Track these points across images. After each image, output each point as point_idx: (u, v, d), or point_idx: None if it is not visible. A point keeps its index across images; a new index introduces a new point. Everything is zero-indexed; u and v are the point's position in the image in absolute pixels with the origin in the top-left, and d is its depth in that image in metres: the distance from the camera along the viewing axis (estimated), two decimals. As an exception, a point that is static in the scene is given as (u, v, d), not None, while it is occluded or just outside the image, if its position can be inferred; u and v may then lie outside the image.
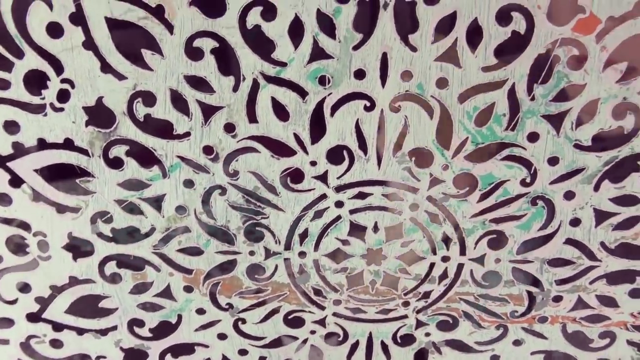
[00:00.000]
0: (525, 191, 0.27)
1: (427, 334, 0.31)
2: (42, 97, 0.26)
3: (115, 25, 0.25)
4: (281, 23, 0.24)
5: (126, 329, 0.31)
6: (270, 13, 0.24)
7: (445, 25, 0.24)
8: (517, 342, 0.31)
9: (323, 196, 0.27)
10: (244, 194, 0.27)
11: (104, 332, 0.31)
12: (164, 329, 0.31)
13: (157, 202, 0.28)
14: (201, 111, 0.26)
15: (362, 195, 0.27)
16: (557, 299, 0.30)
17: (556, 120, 0.26)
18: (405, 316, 0.30)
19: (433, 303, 0.30)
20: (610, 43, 0.24)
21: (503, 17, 0.24)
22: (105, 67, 0.25)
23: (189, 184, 0.27)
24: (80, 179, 0.27)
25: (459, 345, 0.31)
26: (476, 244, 0.28)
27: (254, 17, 0.24)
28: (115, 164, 0.27)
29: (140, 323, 0.31)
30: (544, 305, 0.30)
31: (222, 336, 0.31)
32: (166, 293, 0.30)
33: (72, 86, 0.26)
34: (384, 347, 0.32)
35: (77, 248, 0.29)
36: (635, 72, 0.25)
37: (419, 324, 0.30)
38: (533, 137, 0.26)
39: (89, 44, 0.25)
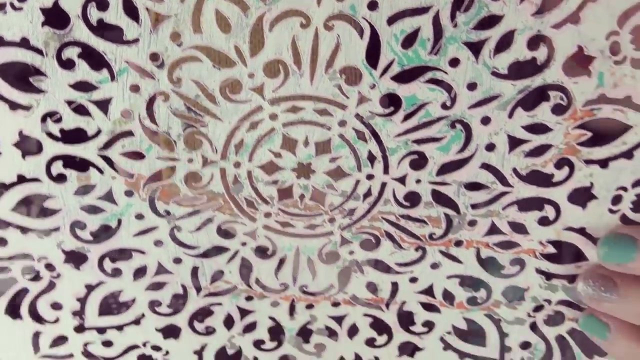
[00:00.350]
0: (446, 114, 0.29)
1: (351, 252, 0.33)
2: None
3: None
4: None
5: (68, 230, 0.33)
6: None
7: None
8: (434, 265, 0.33)
9: (259, 108, 0.29)
10: (185, 101, 0.29)
11: (47, 232, 0.33)
12: (104, 233, 0.33)
13: (104, 105, 0.30)
14: (149, 19, 0.28)
15: (294, 109, 0.29)
16: (472, 223, 0.32)
17: (476, 48, 0.28)
18: (331, 233, 0.32)
19: (357, 221, 0.32)
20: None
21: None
22: None
23: (135, 88, 0.29)
24: (33, 78, 0.29)
25: (380, 266, 0.34)
26: (399, 163, 0.30)
27: None
28: (68, 64, 0.28)
29: (82, 225, 0.32)
30: (459, 229, 0.32)
31: (158, 243, 0.33)
32: (108, 196, 0.32)
33: None
34: (310, 264, 0.34)
35: (27, 146, 0.31)
36: (550, 6, 0.27)
37: (344, 241, 0.33)
38: (454, 62, 0.28)
39: None
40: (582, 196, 0.31)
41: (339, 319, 0.35)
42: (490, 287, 0.34)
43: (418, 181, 0.30)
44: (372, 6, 0.27)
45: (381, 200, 0.31)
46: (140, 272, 0.33)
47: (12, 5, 0.27)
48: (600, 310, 0.32)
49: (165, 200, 0.31)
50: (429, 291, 0.34)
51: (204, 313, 0.35)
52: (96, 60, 0.28)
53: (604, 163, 0.30)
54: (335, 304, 0.34)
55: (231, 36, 0.28)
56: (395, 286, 0.34)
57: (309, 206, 0.31)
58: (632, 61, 0.28)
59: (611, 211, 0.31)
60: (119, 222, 0.32)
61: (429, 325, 0.35)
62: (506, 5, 0.27)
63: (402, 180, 0.30)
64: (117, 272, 0.33)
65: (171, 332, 0.35)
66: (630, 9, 0.27)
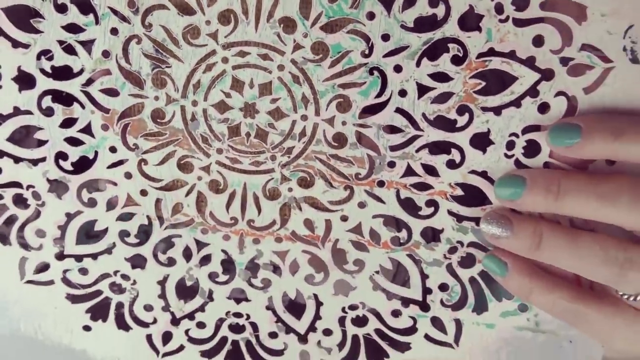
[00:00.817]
0: (365, 62, 0.35)
1: (290, 189, 0.38)
2: None
3: None
4: None
5: (53, 161, 0.38)
6: None
7: None
8: (361, 204, 0.38)
9: (213, 52, 0.36)
10: (154, 44, 0.36)
11: (35, 162, 0.39)
12: (82, 164, 0.39)
13: (88, 45, 0.36)
14: None
15: (242, 54, 0.36)
16: (391, 164, 0.37)
17: (387, 4, 0.34)
18: (272, 170, 0.38)
19: (294, 159, 0.38)
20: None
21: None
22: None
23: (114, 31, 0.36)
24: (33, 19, 0.36)
25: (315, 203, 0.39)
26: (327, 106, 0.36)
27: None
28: (61, 8, 0.35)
29: (65, 156, 0.38)
30: (381, 170, 0.37)
31: (128, 175, 0.38)
32: (87, 130, 0.38)
33: None
34: (256, 199, 0.39)
35: (23, 80, 0.37)
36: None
37: (283, 178, 0.38)
38: (370, 15, 0.34)
39: None
40: (481, 141, 0.36)
41: (281, 254, 0.40)
42: (410, 227, 0.39)
43: (344, 123, 0.36)
44: None
45: (314, 140, 0.37)
46: (112, 203, 0.39)
47: None
48: (499, 246, 0.37)
49: (134, 135, 0.37)
50: (357, 230, 0.39)
51: (166, 244, 0.40)
52: (85, 6, 0.35)
53: (497, 110, 0.36)
54: (278, 240, 0.39)
55: None
56: (328, 224, 0.39)
57: (254, 144, 0.37)
58: (514, 20, 0.34)
59: (507, 156, 0.36)
60: (96, 154, 0.38)
61: (360, 264, 0.40)
62: (411, -31, 0.34)
63: (330, 121, 0.36)
64: (92, 203, 0.39)
65: (138, 262, 0.40)
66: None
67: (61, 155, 0.38)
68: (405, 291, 0.40)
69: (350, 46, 0.35)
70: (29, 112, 0.37)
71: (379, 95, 0.36)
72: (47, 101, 0.37)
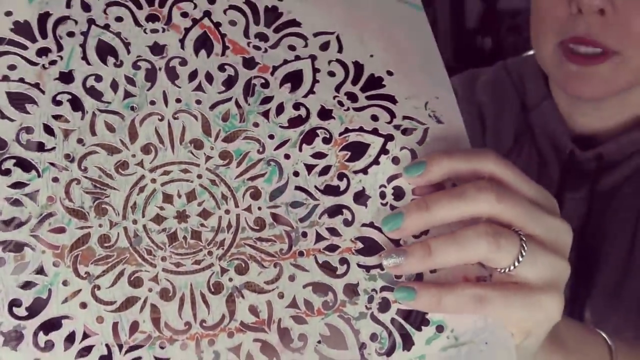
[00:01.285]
0: (261, 157, 0.45)
1: (230, 279, 0.43)
2: None
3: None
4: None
5: (7, 311, 0.40)
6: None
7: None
8: (291, 278, 0.44)
9: (142, 177, 0.43)
10: (92, 181, 0.42)
11: None
12: (37, 306, 0.40)
13: (33, 195, 0.42)
14: (62, 133, 0.43)
15: (166, 173, 0.44)
16: (304, 234, 0.45)
17: (265, 114, 0.46)
18: (212, 264, 0.43)
19: (228, 249, 0.43)
20: None
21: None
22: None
23: (55, 180, 0.42)
24: (-22, 187, 0.41)
25: (253, 288, 0.43)
26: (243, 197, 0.45)
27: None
28: (5, 172, 0.41)
29: (19, 302, 0.40)
30: (298, 241, 0.45)
31: (83, 305, 0.40)
32: (40, 270, 0.40)
33: None
34: (203, 297, 0.43)
35: None
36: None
37: (222, 270, 0.43)
38: (255, 124, 0.46)
39: None
40: (361, 198, 0.47)
41: (236, 350, 0.43)
42: (333, 288, 0.45)
43: (259, 208, 0.45)
44: (198, 102, 0.45)
45: (239, 228, 0.44)
46: (69, 340, 0.41)
47: None
48: (402, 272, 0.45)
49: (85, 263, 0.42)
50: (294, 304, 0.44)
51: (128, 371, 0.41)
52: (27, 166, 0.42)
53: (365, 171, 0.47)
54: (230, 334, 0.43)
55: (116, 134, 0.44)
56: (269, 305, 0.44)
57: (192, 245, 0.43)
58: (354, 109, 0.48)
59: (382, 204, 0.47)
60: (49, 292, 0.41)
61: (303, 338, 0.44)
62: (272, 89, 0.47)
63: (248, 209, 0.45)
64: (49, 345, 0.40)
65: (102, 400, 0.40)
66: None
67: (15, 303, 0.40)
68: (345, 354, 0.45)
69: (247, 148, 0.45)
70: None
71: (279, 179, 0.46)
72: None
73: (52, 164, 0.42)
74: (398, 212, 0.46)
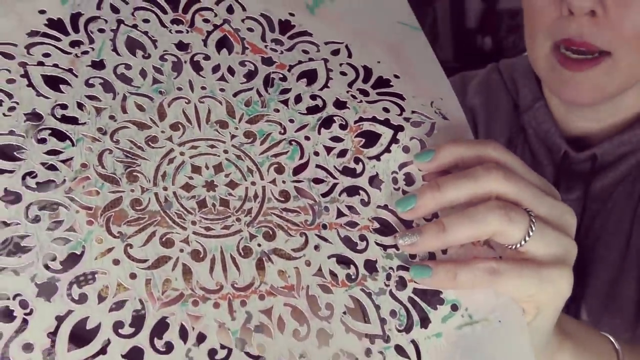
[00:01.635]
0: (283, 137, 0.47)
1: (259, 245, 0.43)
2: None
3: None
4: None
5: (42, 264, 0.39)
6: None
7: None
8: (316, 247, 0.44)
9: (171, 150, 0.45)
10: (123, 152, 0.44)
11: (22, 269, 0.39)
12: (71, 260, 0.39)
13: (68, 162, 0.42)
14: (94, 110, 0.45)
15: (194, 147, 0.45)
16: (326, 209, 0.45)
17: (284, 102, 0.49)
18: (240, 230, 0.43)
19: (255, 217, 0.44)
20: None
21: None
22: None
23: (89, 149, 0.43)
24: (16, 152, 0.42)
25: (282, 254, 0.44)
26: (267, 171, 0.46)
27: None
28: (42, 141, 0.43)
29: (53, 257, 0.39)
30: (321, 214, 0.46)
31: (116, 262, 0.40)
32: (73, 228, 0.40)
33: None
34: (234, 260, 0.43)
35: (9, 198, 0.40)
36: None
37: (251, 236, 0.43)
38: (276, 110, 0.48)
39: None
40: (375, 182, 0.49)
41: (267, 312, 0.43)
42: (355, 262, 0.46)
43: (283, 182, 0.46)
44: (222, 90, 0.48)
45: (265, 198, 0.45)
46: (102, 296, 0.40)
47: (3, 114, 0.43)
48: (417, 251, 0.46)
49: (117, 224, 0.42)
50: (320, 273, 0.45)
51: (161, 327, 0.40)
52: (62, 136, 0.44)
53: (377, 157, 0.49)
54: (262, 297, 0.43)
55: (146, 113, 0.46)
56: (297, 271, 0.44)
57: (220, 211, 0.44)
58: (367, 102, 0.51)
59: (395, 189, 0.49)
60: (83, 248, 0.41)
61: (330, 307, 0.44)
62: (289, 82, 0.50)
63: (273, 182, 0.46)
64: (83, 298, 0.40)
65: (135, 355, 0.39)
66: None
67: (49, 257, 0.40)
68: (369, 327, 0.45)
69: (270, 129, 0.48)
70: (16, 224, 0.40)
71: (300, 157, 0.47)
72: (34, 210, 0.41)
73: (85, 135, 0.44)
74: (411, 194, 0.47)
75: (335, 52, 0.54)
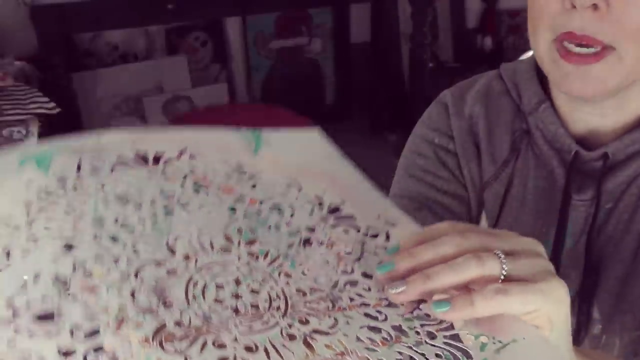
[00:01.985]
0: (279, 253, 0.53)
1: (299, 329, 0.46)
2: None
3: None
4: None
5: None
6: None
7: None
8: (347, 323, 0.46)
9: (191, 277, 0.48)
10: (151, 287, 0.47)
11: None
12: None
13: (106, 309, 0.44)
14: (112, 261, 0.48)
15: (210, 270, 0.49)
16: (340, 298, 0.50)
17: (267, 227, 0.54)
18: (278, 322, 0.45)
19: (285, 311, 0.46)
20: None
21: None
22: None
23: (119, 292, 0.46)
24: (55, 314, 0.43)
25: (321, 332, 0.47)
26: (279, 276, 0.50)
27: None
28: (75, 298, 0.45)
29: None
30: (336, 301, 0.49)
31: None
32: (132, 357, 0.41)
33: None
34: (283, 345, 0.43)
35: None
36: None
37: (289, 324, 0.46)
38: (263, 234, 0.54)
39: None
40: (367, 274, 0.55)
41: None
42: (384, 329, 0.50)
43: (295, 282, 0.51)
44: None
45: (287, 296, 0.50)
46: None
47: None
48: (406, 299, 0.51)
49: (170, 342, 0.44)
50: (360, 340, 0.49)
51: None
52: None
53: (358, 259, 0.56)
54: None
55: (157, 252, 0.49)
56: (341, 342, 0.48)
57: (255, 313, 0.48)
58: (330, 227, 0.58)
59: None
60: (150, 371, 0.42)
61: None
62: (269, 218, 0.56)
63: (287, 284, 0.51)
64: None
65: None
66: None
67: None
68: None
69: (266, 248, 0.53)
70: None
71: (300, 264, 0.52)
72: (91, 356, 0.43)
73: (113, 282, 0.47)
74: (389, 261, 0.53)
75: (290, 185, 0.61)
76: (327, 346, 0.48)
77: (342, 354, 0.47)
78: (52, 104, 2.23)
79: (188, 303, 0.47)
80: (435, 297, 0.51)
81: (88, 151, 0.55)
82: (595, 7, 0.69)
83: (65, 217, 0.51)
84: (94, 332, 0.44)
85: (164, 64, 3.33)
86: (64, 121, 2.71)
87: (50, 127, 2.74)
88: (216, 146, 0.60)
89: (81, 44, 3.18)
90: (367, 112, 3.65)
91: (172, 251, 0.50)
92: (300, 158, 0.65)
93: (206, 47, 3.40)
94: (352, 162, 0.65)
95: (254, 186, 0.59)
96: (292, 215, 0.57)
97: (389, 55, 3.55)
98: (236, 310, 0.48)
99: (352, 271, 0.54)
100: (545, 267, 0.54)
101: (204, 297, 0.48)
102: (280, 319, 0.49)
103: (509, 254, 0.53)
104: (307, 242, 0.55)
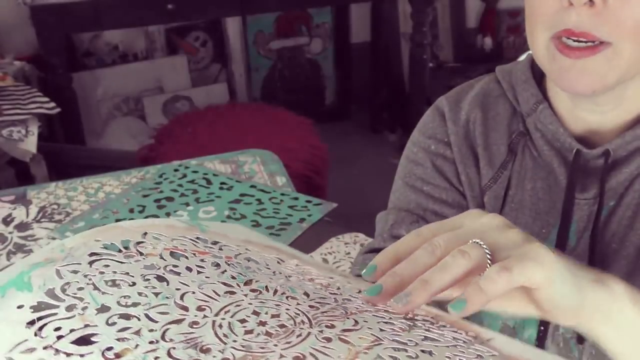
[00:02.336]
0: (276, 288, 0.53)
1: (330, 332, 0.50)
2: None
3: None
4: None
5: None
6: None
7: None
8: (365, 321, 0.52)
9: (214, 321, 0.50)
10: (182, 343, 0.48)
11: None
12: None
13: None
14: (136, 334, 0.48)
15: (227, 311, 0.51)
16: (346, 306, 0.53)
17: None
18: (310, 332, 0.50)
19: (310, 322, 0.51)
20: None
21: None
22: None
23: (156, 357, 0.46)
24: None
25: (349, 329, 0.51)
26: (288, 300, 0.52)
27: None
28: None
29: None
30: (347, 308, 0.53)
31: None
32: None
33: None
34: (326, 347, 0.48)
35: None
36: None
37: (319, 331, 0.50)
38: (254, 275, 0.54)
39: None
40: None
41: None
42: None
43: (304, 301, 0.52)
44: (208, 277, 0.54)
45: (305, 312, 0.52)
46: None
47: None
48: (412, 307, 0.53)
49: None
50: None
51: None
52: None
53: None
54: (368, 349, 0.49)
55: (171, 315, 0.50)
56: (371, 331, 0.51)
57: (285, 330, 0.50)
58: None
59: None
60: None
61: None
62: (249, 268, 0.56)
63: (298, 303, 0.53)
64: None
65: None
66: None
67: None
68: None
69: (264, 284, 0.55)
70: None
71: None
72: None
73: (147, 353, 0.47)
74: (377, 284, 0.55)
75: (248, 248, 0.63)
76: (360, 338, 0.50)
77: (377, 339, 0.50)
78: (52, 104, 2.22)
79: (223, 343, 0.48)
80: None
81: (59, 259, 0.54)
82: (591, 3, 0.69)
83: (71, 317, 0.49)
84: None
85: (164, 64, 3.33)
86: (64, 121, 2.72)
87: (50, 127, 2.74)
88: (170, 227, 0.62)
89: (81, 44, 3.18)
90: (367, 112, 3.65)
91: (184, 308, 0.51)
92: (241, 234, 0.67)
93: (206, 47, 3.40)
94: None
95: (221, 249, 0.61)
96: (267, 265, 0.60)
97: (389, 55, 3.55)
98: (269, 334, 0.50)
99: (341, 294, 0.57)
100: (521, 235, 0.56)
101: (234, 334, 0.49)
102: (310, 329, 0.50)
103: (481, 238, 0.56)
104: (290, 278, 0.58)
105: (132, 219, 1.41)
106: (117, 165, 2.21)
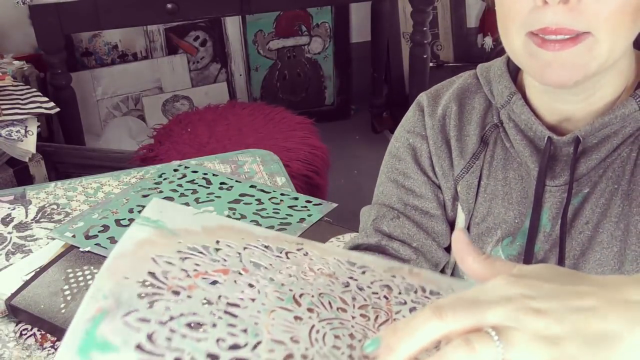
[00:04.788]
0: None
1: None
2: None
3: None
4: None
5: None
6: None
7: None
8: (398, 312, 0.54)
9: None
10: None
11: None
12: None
13: None
14: None
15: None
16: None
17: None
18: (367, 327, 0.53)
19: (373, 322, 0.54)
20: None
21: None
22: None
23: None
24: None
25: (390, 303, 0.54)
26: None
27: None
28: None
29: None
30: (376, 305, 0.55)
31: None
32: None
33: None
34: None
35: None
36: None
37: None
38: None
39: None
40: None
41: None
42: None
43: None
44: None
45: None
46: None
47: None
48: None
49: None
50: None
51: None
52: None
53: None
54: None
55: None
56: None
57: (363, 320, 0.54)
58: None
59: None
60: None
61: None
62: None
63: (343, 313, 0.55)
64: None
65: None
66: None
67: None
68: None
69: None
70: None
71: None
72: None
73: None
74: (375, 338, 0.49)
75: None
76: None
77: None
78: (51, 104, 2.21)
79: (312, 344, 0.51)
80: None
81: (112, 308, 0.48)
82: (566, 1, 0.70)
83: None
84: (236, 346, 0.48)
85: (163, 64, 3.32)
86: (63, 121, 2.70)
87: (50, 127, 2.73)
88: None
89: (80, 44, 3.17)
90: (367, 112, 3.64)
91: (298, 303, 0.54)
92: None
93: (206, 46, 3.39)
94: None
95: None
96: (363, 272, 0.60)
97: (389, 55, 3.54)
98: (351, 358, 0.51)
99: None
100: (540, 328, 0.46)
101: (324, 342, 0.51)
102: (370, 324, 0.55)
103: (500, 330, 0.46)
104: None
105: (131, 219, 1.40)
106: (117, 165, 2.21)
